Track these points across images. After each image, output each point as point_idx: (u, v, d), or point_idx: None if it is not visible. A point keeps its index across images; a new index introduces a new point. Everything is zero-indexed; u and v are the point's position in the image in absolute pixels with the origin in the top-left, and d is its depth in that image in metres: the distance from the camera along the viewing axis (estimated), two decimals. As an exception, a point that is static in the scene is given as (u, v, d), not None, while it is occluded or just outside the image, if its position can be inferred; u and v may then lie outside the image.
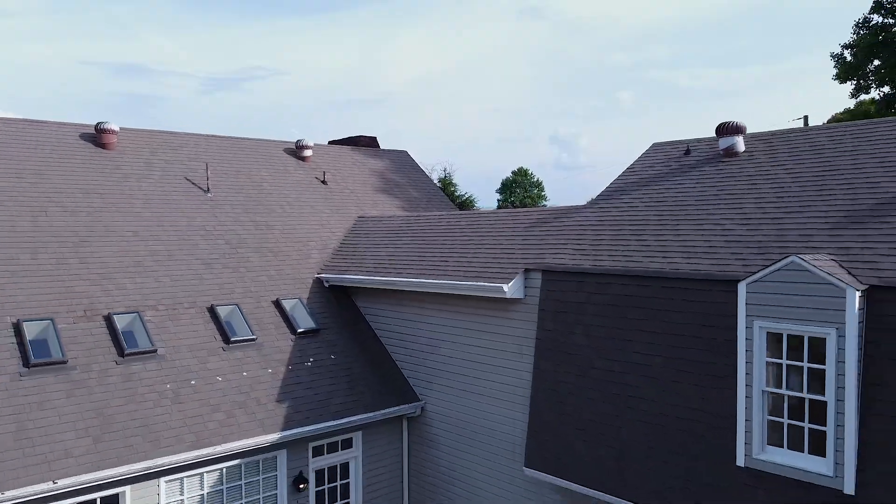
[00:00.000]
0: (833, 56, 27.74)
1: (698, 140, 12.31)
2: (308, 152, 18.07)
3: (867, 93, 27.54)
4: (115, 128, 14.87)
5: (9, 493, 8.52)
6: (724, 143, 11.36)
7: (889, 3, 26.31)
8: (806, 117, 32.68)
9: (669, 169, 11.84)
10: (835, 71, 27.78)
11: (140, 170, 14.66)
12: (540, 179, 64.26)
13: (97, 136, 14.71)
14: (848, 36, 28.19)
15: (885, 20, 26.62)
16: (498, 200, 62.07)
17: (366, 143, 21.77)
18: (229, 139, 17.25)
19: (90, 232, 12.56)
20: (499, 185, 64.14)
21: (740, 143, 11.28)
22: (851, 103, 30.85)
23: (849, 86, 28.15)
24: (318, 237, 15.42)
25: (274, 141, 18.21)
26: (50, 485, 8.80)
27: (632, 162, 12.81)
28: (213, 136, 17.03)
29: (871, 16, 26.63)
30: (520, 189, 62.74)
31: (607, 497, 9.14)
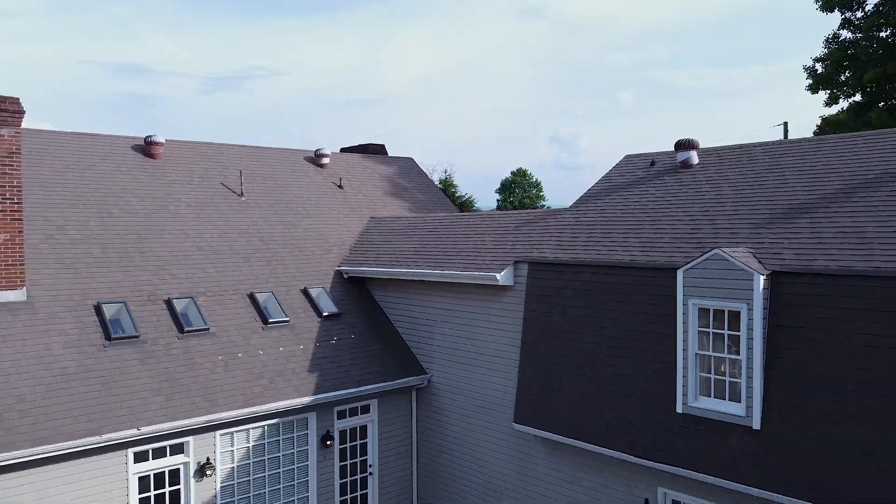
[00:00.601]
0: (806, 69, 29.95)
1: (662, 153, 14.56)
2: (326, 160, 20.33)
3: (837, 103, 29.74)
4: (162, 140, 17.11)
5: (105, 436, 10.78)
6: (680, 156, 13.61)
7: (857, 21, 28.54)
8: (785, 124, 34.98)
9: (637, 178, 14.09)
10: (808, 82, 29.98)
11: (183, 176, 16.91)
12: (538, 180, 66.28)
13: (146, 148, 16.96)
14: (819, 50, 30.35)
15: (854, 35, 28.85)
16: (497, 200, 63.83)
17: (374, 151, 23.99)
18: (258, 149, 19.51)
19: (146, 230, 14.81)
20: (498, 186, 65.91)
21: (694, 157, 13.52)
22: (826, 111, 33.07)
23: (822, 95, 30.40)
24: (337, 235, 17.67)
25: (296, 150, 20.45)
26: (136, 431, 11.06)
27: (608, 171, 15.08)
28: (243, 145, 19.27)
29: (841, 31, 28.88)
30: (519, 189, 64.51)
31: (575, 442, 11.40)
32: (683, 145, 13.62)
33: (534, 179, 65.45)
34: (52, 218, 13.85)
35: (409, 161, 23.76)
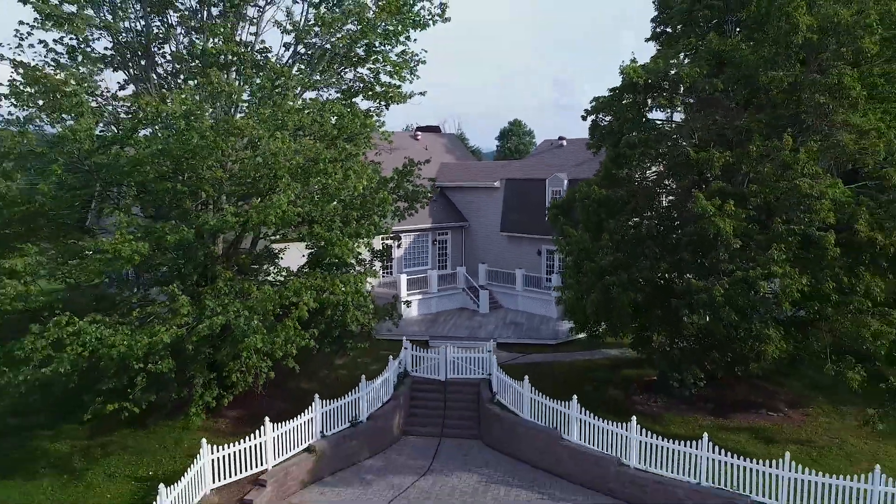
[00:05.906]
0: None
1: (558, 140, 39.54)
2: (419, 136, 45.20)
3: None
4: (419, 134, 41.93)
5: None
6: (561, 142, 38.72)
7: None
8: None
9: (547, 149, 39.31)
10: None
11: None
12: (531, 129, 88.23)
13: (413, 135, 41.97)
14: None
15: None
16: (497, 146, 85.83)
17: (434, 130, 48.72)
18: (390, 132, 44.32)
19: (364, 167, 39.81)
20: (498, 133, 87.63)
21: (565, 143, 38.63)
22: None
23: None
24: (431, 170, 42.63)
25: (403, 132, 45.26)
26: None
27: (538, 145, 40.10)
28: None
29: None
30: (515, 137, 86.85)
31: (518, 234, 36.89)
32: (560, 138, 38.76)
33: (527, 129, 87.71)
34: (337, 162, 39.06)
35: (453, 136, 48.77)
